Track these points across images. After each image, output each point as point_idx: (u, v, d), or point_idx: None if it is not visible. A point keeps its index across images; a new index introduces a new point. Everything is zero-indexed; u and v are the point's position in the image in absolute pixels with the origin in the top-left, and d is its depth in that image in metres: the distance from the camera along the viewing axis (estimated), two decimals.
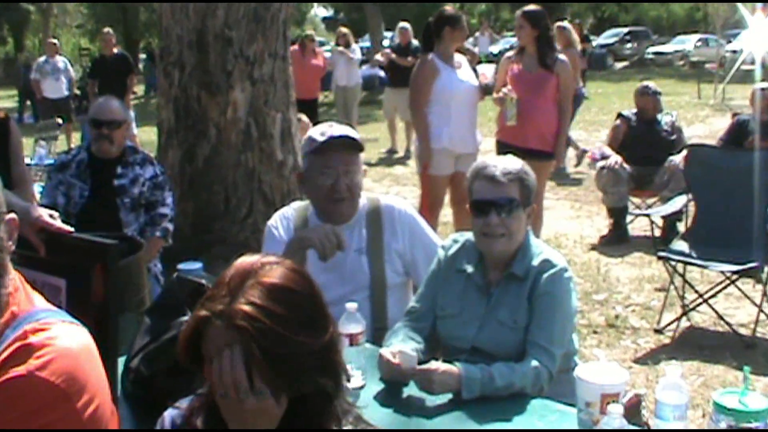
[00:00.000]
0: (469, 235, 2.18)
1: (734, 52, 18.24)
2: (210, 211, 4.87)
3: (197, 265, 1.98)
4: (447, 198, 5.33)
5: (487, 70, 5.10)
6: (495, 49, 21.01)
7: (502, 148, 4.83)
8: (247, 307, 1.08)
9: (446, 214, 5.97)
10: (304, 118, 5.42)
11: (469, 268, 2.14)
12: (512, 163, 2.08)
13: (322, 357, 1.12)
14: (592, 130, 11.26)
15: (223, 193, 4.88)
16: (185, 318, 1.65)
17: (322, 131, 2.27)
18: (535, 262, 2.05)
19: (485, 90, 4.92)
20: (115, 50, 9.45)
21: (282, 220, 2.41)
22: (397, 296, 2.35)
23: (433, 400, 1.81)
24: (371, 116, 13.18)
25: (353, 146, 2.28)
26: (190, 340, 1.13)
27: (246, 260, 1.16)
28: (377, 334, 2.21)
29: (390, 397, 1.82)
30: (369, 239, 2.33)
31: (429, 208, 4.87)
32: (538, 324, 1.99)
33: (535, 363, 1.91)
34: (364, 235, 2.34)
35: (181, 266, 1.97)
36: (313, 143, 2.26)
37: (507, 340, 2.02)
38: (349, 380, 1.21)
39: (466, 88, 4.84)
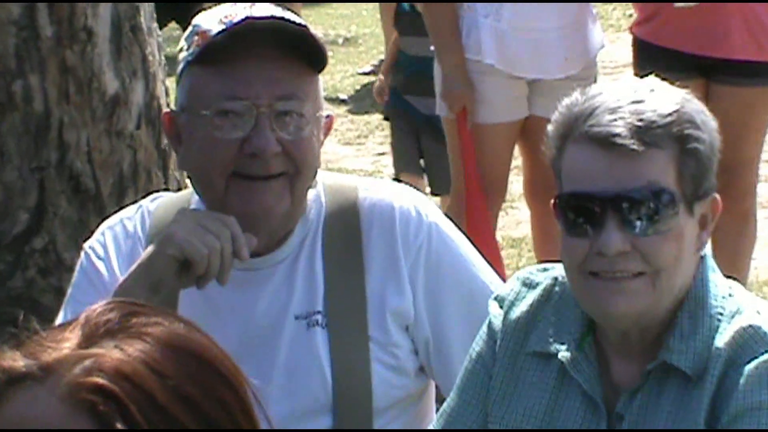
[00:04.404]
0: (559, 271, 2.08)
1: None
2: None
3: None
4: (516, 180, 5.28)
5: None
6: None
7: (656, 61, 4.54)
8: (122, 359, 1.15)
9: (522, 217, 5.87)
10: None
11: (564, 352, 2.05)
12: (658, 98, 1.97)
13: None
14: None
15: None
16: None
17: (225, 13, 2.19)
18: (724, 337, 1.99)
19: None
20: None
21: (117, 240, 2.32)
22: (399, 425, 2.31)
23: None
24: None
25: (301, 46, 2.18)
26: None
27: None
28: None
29: None
30: (329, 289, 2.24)
31: (481, 199, 4.74)
32: None
33: None
34: (320, 277, 2.27)
35: None
36: (204, 37, 2.19)
37: None
38: None
39: None
